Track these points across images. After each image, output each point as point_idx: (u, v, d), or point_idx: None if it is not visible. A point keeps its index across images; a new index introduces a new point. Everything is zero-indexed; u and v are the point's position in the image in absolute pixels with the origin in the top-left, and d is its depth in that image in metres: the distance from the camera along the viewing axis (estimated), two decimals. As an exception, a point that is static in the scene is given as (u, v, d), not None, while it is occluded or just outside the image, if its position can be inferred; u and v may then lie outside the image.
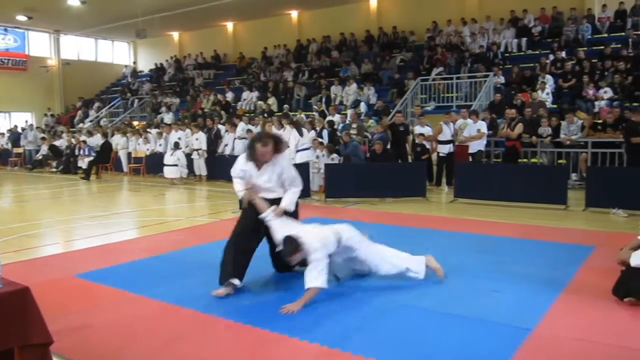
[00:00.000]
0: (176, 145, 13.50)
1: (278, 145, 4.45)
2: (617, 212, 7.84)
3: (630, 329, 3.55)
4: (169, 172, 13.27)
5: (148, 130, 16.64)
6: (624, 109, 11.16)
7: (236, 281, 4.31)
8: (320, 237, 4.14)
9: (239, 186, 4.64)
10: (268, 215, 4.38)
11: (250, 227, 4.47)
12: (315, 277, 3.96)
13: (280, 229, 4.27)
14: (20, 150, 19.93)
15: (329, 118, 13.96)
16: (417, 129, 11.56)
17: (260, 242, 4.58)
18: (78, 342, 3.46)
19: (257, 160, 4.44)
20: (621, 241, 4.93)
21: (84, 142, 16.52)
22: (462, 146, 11.06)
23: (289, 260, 4.13)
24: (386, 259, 4.46)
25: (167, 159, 13.35)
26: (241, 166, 4.57)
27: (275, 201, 4.48)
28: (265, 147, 4.34)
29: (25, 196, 11.57)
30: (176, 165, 13.24)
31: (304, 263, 4.18)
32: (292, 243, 4.04)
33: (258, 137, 4.50)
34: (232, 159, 12.72)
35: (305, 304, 3.95)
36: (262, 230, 4.49)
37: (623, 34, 14.69)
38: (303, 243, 4.04)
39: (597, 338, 3.36)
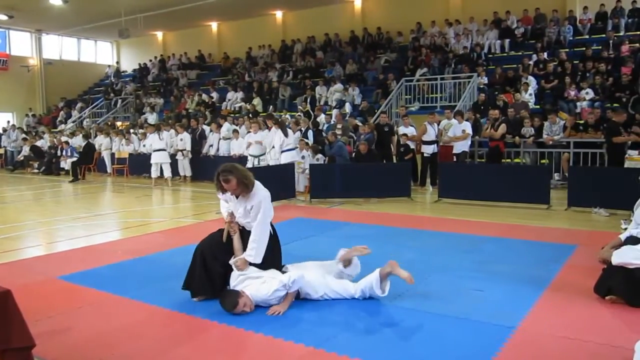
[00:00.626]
0: (158, 128, 13.55)
1: (244, 181, 4.05)
2: (598, 212, 7.95)
3: (611, 326, 3.60)
4: (157, 157, 13.11)
5: (132, 130, 16.53)
6: (604, 109, 11.33)
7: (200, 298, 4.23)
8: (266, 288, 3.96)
9: (223, 208, 4.39)
10: (233, 263, 4.14)
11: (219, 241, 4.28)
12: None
13: (237, 277, 4.10)
14: (1, 151, 19.67)
15: (314, 119, 13.98)
16: (401, 130, 11.61)
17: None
18: (60, 345, 3.42)
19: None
20: (603, 240, 4.99)
21: (67, 142, 16.35)
22: (446, 146, 11.14)
23: (235, 313, 3.86)
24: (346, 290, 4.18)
25: (156, 144, 13.22)
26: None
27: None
28: (227, 184, 4.03)
29: (7, 197, 11.41)
30: (164, 150, 13.18)
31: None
32: (230, 297, 3.89)
33: (221, 170, 4.09)
34: (217, 159, 12.90)
35: (290, 304, 3.95)
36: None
37: (604, 35, 14.91)
38: (243, 295, 3.88)
39: (579, 335, 3.40)
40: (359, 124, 12.60)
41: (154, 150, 13.23)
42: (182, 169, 13.65)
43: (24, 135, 19.11)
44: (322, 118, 14.31)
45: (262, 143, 11.28)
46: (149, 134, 13.85)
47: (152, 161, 13.17)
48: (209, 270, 4.18)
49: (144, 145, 14.67)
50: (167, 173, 13.14)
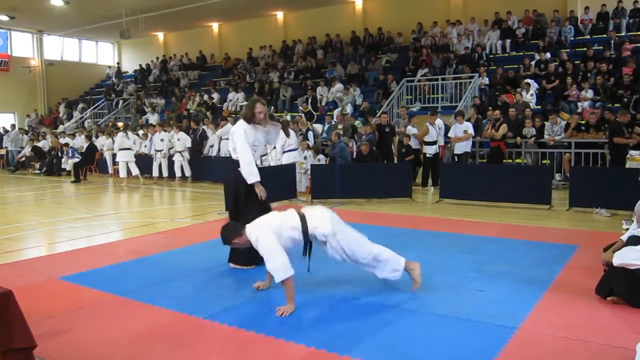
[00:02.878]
0: (126, 127, 13.90)
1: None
2: (599, 212, 7.94)
3: (612, 327, 3.60)
4: (122, 156, 13.41)
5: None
6: (605, 109, 11.32)
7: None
8: (271, 230, 3.94)
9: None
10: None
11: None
12: (274, 271, 3.83)
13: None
14: (2, 151, 19.69)
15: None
16: (410, 130, 11.61)
17: None
18: (62, 346, 3.42)
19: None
20: (604, 240, 4.99)
21: (66, 144, 16.38)
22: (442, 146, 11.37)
23: (230, 246, 4.19)
24: (365, 247, 4.14)
25: (123, 143, 13.44)
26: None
27: None
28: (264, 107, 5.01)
29: (8, 198, 11.43)
30: (130, 149, 13.47)
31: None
32: (229, 232, 4.07)
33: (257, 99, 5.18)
34: (218, 160, 12.89)
35: (293, 298, 3.88)
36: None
37: (605, 35, 14.90)
38: (242, 235, 3.99)
39: (580, 336, 3.40)
40: (357, 125, 12.58)
41: (120, 149, 13.49)
42: (179, 169, 13.58)
43: (28, 136, 19.09)
44: (317, 128, 14.21)
45: None
46: (151, 136, 13.99)
47: (118, 159, 13.60)
48: None
49: (145, 146, 14.74)
50: (135, 171, 13.46)
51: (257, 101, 5.04)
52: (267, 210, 4.70)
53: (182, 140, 13.50)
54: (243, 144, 4.90)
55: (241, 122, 5.00)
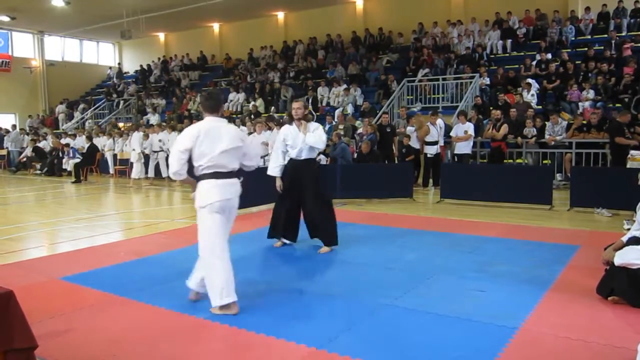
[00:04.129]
0: (136, 128, 14.42)
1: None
2: (600, 212, 7.94)
3: (613, 327, 3.60)
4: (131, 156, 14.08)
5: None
6: (607, 110, 11.31)
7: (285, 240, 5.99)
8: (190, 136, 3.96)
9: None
10: None
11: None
12: (170, 166, 4.07)
13: None
14: (3, 152, 19.71)
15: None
16: (409, 130, 11.60)
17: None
18: (63, 346, 3.42)
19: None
20: (605, 240, 4.99)
21: (67, 145, 16.38)
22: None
23: None
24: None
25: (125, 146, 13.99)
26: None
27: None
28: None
29: (9, 199, 11.43)
30: (133, 150, 13.84)
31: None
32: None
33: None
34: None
35: (190, 185, 4.08)
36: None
37: (606, 35, 14.88)
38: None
39: (581, 336, 3.39)
40: (358, 125, 12.58)
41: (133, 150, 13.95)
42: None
43: (31, 137, 19.08)
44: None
45: (267, 144, 11.26)
46: (151, 136, 14.13)
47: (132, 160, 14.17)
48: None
49: (145, 147, 14.73)
50: (134, 172, 13.87)
51: (292, 101, 5.99)
52: (327, 203, 6.06)
53: (171, 141, 13.56)
54: (275, 144, 5.99)
55: (284, 126, 5.82)
